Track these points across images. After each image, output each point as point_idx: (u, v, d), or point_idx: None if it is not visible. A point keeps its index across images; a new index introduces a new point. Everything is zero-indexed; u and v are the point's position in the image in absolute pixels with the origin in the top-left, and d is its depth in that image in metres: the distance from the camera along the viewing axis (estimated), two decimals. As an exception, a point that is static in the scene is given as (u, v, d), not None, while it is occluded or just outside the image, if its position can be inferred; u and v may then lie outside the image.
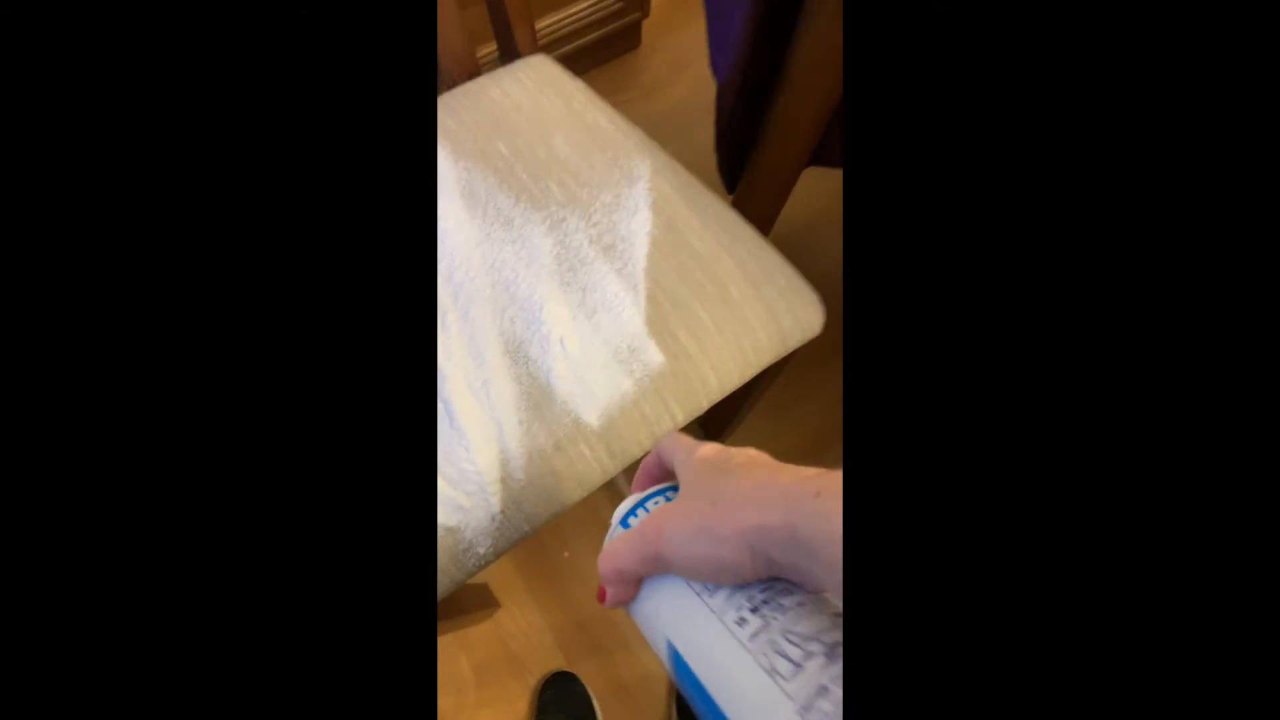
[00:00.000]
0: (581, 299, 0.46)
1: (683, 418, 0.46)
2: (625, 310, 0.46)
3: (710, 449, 0.23)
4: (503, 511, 0.42)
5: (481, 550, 0.42)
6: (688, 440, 0.25)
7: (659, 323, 0.46)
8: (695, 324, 0.46)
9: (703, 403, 0.46)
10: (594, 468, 0.44)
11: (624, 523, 0.24)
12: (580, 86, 0.55)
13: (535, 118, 0.53)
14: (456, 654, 0.81)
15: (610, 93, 1.11)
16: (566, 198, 0.49)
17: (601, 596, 0.23)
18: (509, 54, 0.58)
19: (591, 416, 0.43)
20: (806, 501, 0.17)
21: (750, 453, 0.22)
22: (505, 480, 0.42)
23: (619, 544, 0.22)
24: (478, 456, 0.42)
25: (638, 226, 0.48)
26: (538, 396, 0.43)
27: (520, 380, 0.44)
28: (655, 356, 0.45)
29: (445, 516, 0.41)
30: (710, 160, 0.71)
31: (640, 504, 0.25)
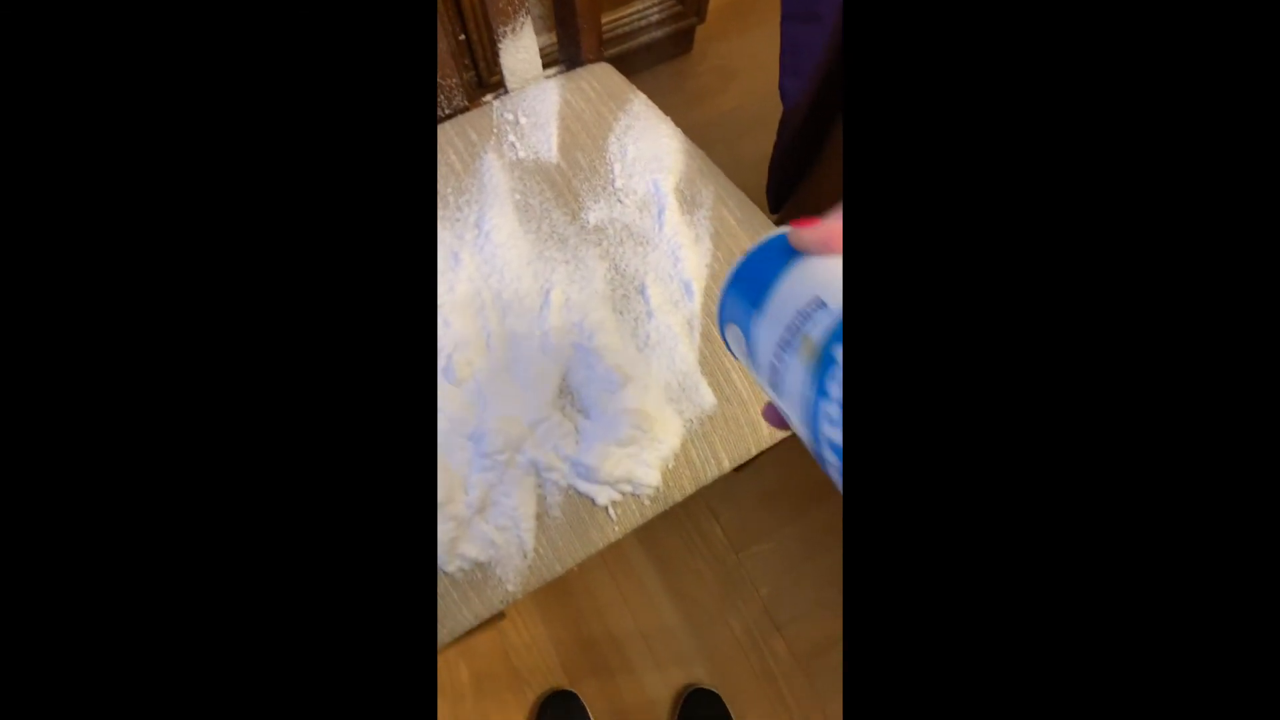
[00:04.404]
0: (634, 328, 0.44)
1: (729, 464, 0.44)
2: (679, 346, 0.43)
3: None
4: (536, 550, 0.40)
5: (510, 588, 0.40)
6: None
7: (713, 361, 0.44)
8: (751, 366, 0.44)
9: (751, 449, 0.44)
10: (633, 508, 0.42)
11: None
12: (643, 101, 0.53)
13: (596, 131, 0.50)
14: (457, 661, 0.80)
15: (656, 97, 1.09)
16: (625, 222, 0.47)
17: (808, 222, 0.20)
18: (571, 59, 0.56)
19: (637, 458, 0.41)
20: None
21: None
22: (541, 517, 0.40)
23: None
24: (514, 488, 0.40)
25: (698, 257, 0.46)
26: (583, 431, 0.41)
27: (564, 411, 0.42)
28: (707, 397, 0.43)
29: (476, 551, 0.39)
30: (751, 175, 0.69)
31: None
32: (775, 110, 0.66)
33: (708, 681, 0.78)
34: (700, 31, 1.08)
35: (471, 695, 0.78)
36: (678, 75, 1.11)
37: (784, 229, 0.22)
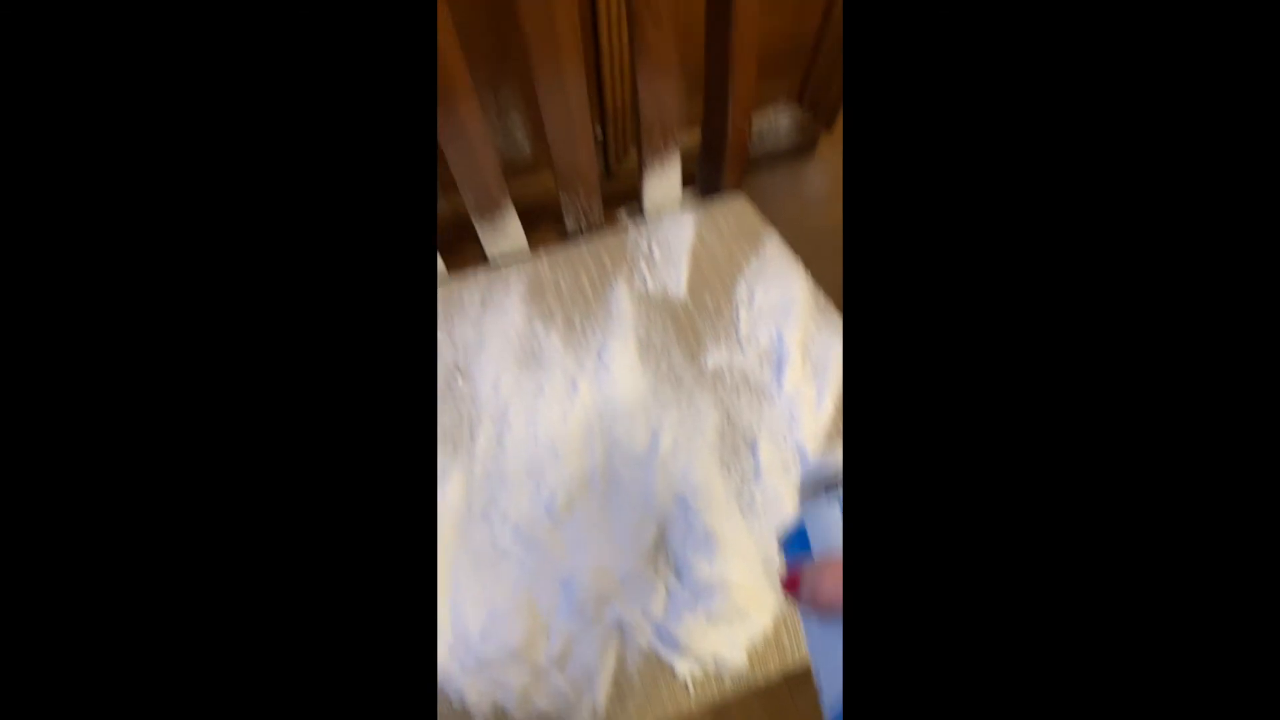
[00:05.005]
0: (740, 488, 0.42)
1: (820, 652, 0.41)
2: (784, 515, 0.42)
3: None
4: (606, 709, 0.38)
5: (574, 747, 0.38)
6: None
7: (818, 539, 0.41)
8: (858, 551, 0.41)
9: (846, 640, 0.41)
10: (712, 685, 0.39)
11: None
12: (777, 244, 0.52)
13: (726, 272, 0.50)
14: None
15: (771, 198, 1.10)
16: (744, 371, 0.46)
17: (795, 587, 0.21)
18: (709, 185, 0.57)
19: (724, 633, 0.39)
20: None
21: None
22: (618, 676, 0.39)
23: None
24: (597, 645, 0.38)
25: (815, 422, 0.44)
26: (673, 594, 0.39)
27: (657, 568, 0.40)
28: (807, 578, 0.40)
29: (547, 703, 0.38)
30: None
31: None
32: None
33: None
34: (826, 135, 1.09)
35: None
36: (795, 177, 1.12)
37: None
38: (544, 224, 0.96)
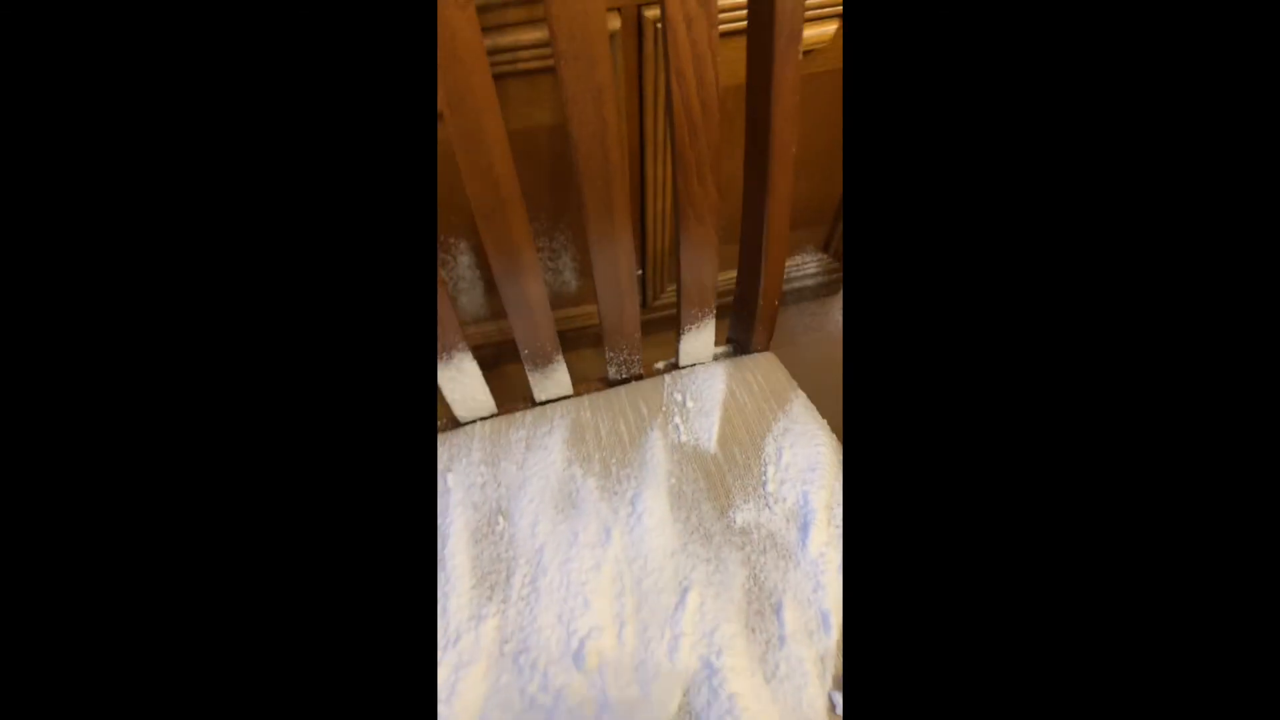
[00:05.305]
0: (765, 652, 0.43)
1: (843, 840, 0.40)
2: (809, 685, 0.42)
3: None
4: None
5: None
6: None
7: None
8: (882, 729, 0.41)
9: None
10: None
11: None
12: (804, 403, 0.56)
13: (756, 428, 0.54)
14: None
15: (797, 332, 1.16)
16: (770, 531, 0.48)
17: None
18: (741, 345, 0.62)
19: (745, 809, 0.39)
20: None
21: None
22: None
23: None
24: (615, 812, 0.38)
25: (841, 587, 0.46)
26: (694, 762, 0.40)
27: (680, 731, 0.41)
28: (830, 756, 0.40)
29: None
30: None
31: None
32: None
33: None
34: (850, 280, 1.16)
35: None
36: (821, 313, 1.18)
37: None
38: (584, 345, 1.02)
